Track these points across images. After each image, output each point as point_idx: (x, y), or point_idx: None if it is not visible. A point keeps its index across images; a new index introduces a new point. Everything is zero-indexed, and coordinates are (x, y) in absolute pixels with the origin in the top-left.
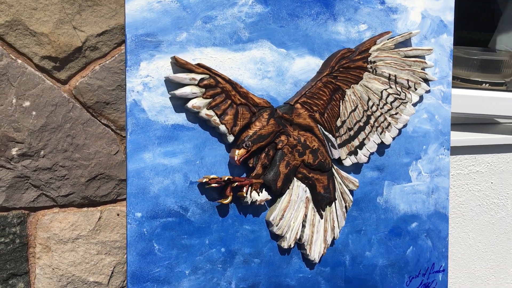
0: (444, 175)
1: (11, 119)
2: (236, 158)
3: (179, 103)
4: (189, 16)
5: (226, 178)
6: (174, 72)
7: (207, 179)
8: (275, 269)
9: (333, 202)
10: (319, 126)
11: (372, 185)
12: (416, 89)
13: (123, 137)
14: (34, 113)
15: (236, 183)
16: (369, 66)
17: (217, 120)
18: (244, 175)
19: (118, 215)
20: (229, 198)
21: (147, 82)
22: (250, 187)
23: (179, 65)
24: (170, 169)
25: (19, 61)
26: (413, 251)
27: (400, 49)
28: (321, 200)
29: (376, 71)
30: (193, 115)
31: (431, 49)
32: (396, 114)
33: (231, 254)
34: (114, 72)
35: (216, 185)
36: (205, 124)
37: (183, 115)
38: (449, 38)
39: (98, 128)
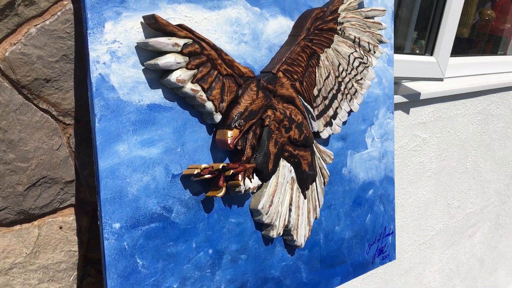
0: (390, 138)
1: None
2: (229, 141)
3: (154, 77)
4: None
5: (220, 166)
6: (146, 37)
7: (198, 170)
8: (261, 262)
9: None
10: (299, 97)
11: (339, 156)
12: (374, 52)
13: (66, 125)
14: None
15: (231, 171)
16: (338, 27)
17: (204, 96)
18: (227, 159)
19: (61, 228)
20: (224, 190)
21: (114, 50)
22: (244, 174)
23: (158, 27)
24: (149, 162)
25: None
26: (371, 218)
27: (362, 9)
28: (306, 179)
29: (344, 33)
30: (173, 91)
31: (385, 10)
32: (361, 79)
33: (219, 254)
34: (57, 36)
35: (210, 175)
36: (186, 101)
37: (160, 91)
38: (392, 2)
39: (34, 116)
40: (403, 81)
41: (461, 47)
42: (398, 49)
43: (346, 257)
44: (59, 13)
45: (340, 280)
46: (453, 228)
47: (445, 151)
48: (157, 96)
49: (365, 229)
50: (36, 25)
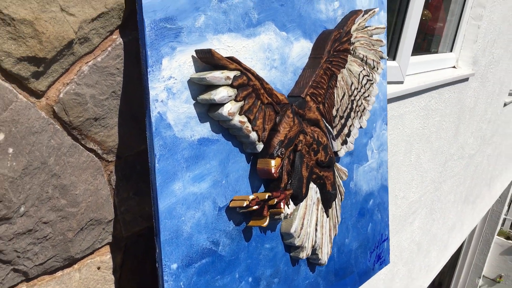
0: (385, 149)
1: None
2: (273, 171)
3: (204, 110)
4: None
5: (266, 196)
6: (197, 69)
7: (247, 202)
8: (290, 283)
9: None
10: (322, 119)
11: (348, 172)
12: (377, 69)
13: (108, 162)
14: (11, 150)
15: (276, 200)
16: (351, 48)
17: (250, 127)
18: (262, 186)
19: (99, 268)
20: (268, 219)
21: (170, 87)
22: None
23: (212, 61)
24: (200, 197)
25: None
26: (371, 227)
27: (367, 28)
28: (330, 199)
29: (355, 52)
30: (220, 123)
31: (385, 27)
32: (368, 96)
33: (257, 281)
34: (108, 73)
35: (257, 207)
36: (229, 132)
37: (207, 124)
38: (385, 15)
39: (81, 156)
40: None
41: None
42: None
43: (353, 267)
44: (109, 49)
45: None
46: (399, 217)
47: (395, 147)
48: (205, 129)
49: (367, 238)
50: (87, 63)
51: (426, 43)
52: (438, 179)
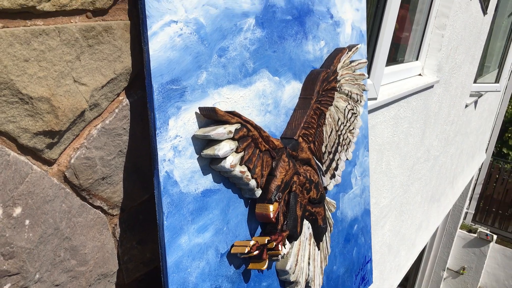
0: (367, 174)
1: (1, 242)
2: (271, 216)
3: (206, 163)
4: (207, 51)
5: (266, 241)
6: (200, 124)
7: (248, 248)
8: None
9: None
10: (313, 157)
11: (334, 201)
12: (361, 102)
13: (113, 216)
14: (27, 222)
15: (274, 243)
16: (337, 85)
17: (249, 176)
18: (259, 228)
19: None
20: (267, 262)
21: (176, 145)
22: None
23: (217, 118)
24: (204, 247)
25: None
26: (356, 251)
27: (351, 64)
28: (321, 233)
29: (341, 89)
30: (221, 174)
31: (366, 62)
32: (353, 129)
33: None
34: (116, 134)
35: (258, 251)
36: (229, 181)
37: (210, 176)
38: (365, 47)
39: (89, 215)
40: None
41: None
42: None
43: None
44: (116, 110)
45: None
46: (371, 222)
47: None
48: (208, 181)
49: (352, 262)
50: (96, 126)
51: (393, 52)
52: (406, 182)
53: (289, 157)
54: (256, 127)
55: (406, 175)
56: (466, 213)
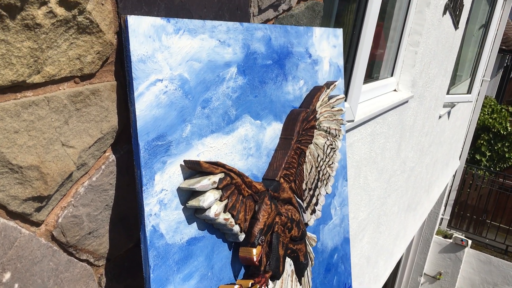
0: (346, 204)
1: None
2: (255, 259)
3: (191, 213)
4: (191, 104)
5: (250, 285)
6: (184, 176)
7: None
8: None
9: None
10: (294, 196)
11: (315, 233)
12: (339, 137)
13: (98, 267)
14: (16, 286)
15: (258, 286)
16: (316, 123)
17: (233, 222)
18: (242, 269)
19: None
20: None
21: (162, 199)
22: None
23: (202, 170)
24: None
25: None
26: (337, 280)
27: (329, 101)
28: (303, 268)
29: (320, 126)
30: (206, 222)
31: (343, 97)
32: (332, 164)
33: None
34: (102, 190)
35: None
36: (214, 227)
37: (195, 225)
38: (342, 81)
39: (75, 268)
40: None
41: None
42: None
43: None
44: (103, 167)
45: None
46: (350, 236)
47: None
48: (193, 230)
49: None
50: (83, 183)
51: (368, 69)
52: (383, 195)
53: (271, 200)
54: (239, 174)
55: (383, 188)
56: (442, 219)
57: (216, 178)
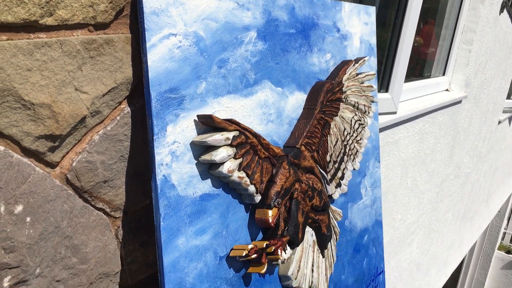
0: (378, 186)
1: (2, 237)
2: (270, 220)
3: (205, 168)
4: (206, 62)
5: (264, 245)
6: (198, 131)
7: (246, 251)
8: None
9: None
10: (317, 166)
11: (342, 211)
12: (369, 113)
13: (115, 219)
14: (28, 219)
15: (273, 248)
16: (343, 96)
17: (248, 182)
18: (260, 234)
19: None
20: (266, 266)
21: (174, 150)
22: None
23: (214, 125)
24: (202, 249)
25: (1, 147)
26: (367, 262)
27: (358, 76)
28: (325, 240)
29: (347, 100)
30: (220, 179)
31: (375, 74)
32: (360, 139)
33: None
34: (117, 140)
35: (256, 255)
36: (229, 186)
37: (209, 181)
38: (375, 60)
39: (91, 216)
40: None
41: None
42: None
43: None
44: (118, 118)
45: None
46: (397, 239)
47: (391, 172)
48: (207, 186)
49: (363, 272)
50: (98, 132)
51: (419, 68)
52: (435, 199)
53: (290, 165)
54: (255, 135)
55: (434, 192)
56: (505, 233)
57: (230, 134)
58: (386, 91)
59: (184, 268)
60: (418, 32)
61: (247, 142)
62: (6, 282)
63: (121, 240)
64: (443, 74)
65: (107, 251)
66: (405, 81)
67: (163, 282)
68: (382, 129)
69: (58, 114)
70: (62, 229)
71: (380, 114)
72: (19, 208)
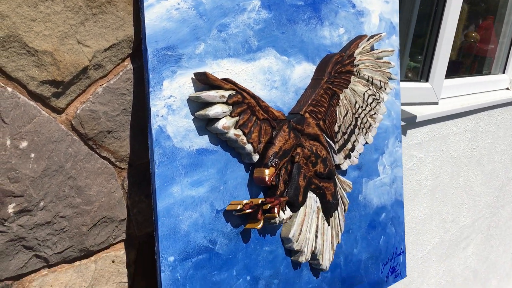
0: (399, 165)
1: (7, 167)
2: (267, 179)
3: (202, 125)
4: (206, 25)
5: (259, 202)
6: (196, 89)
7: (240, 206)
8: (291, 286)
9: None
10: (323, 134)
11: (355, 185)
12: (385, 89)
13: (121, 169)
14: (33, 155)
15: (269, 205)
16: (354, 69)
17: (245, 140)
18: (261, 194)
19: (113, 261)
20: (262, 222)
21: (170, 104)
22: (279, 207)
23: (208, 82)
24: (198, 200)
25: (9, 89)
26: (384, 240)
27: (373, 51)
28: (330, 208)
29: (359, 73)
30: (217, 136)
31: (393, 50)
32: (374, 114)
33: (255, 280)
34: (120, 94)
35: (250, 210)
36: (227, 144)
37: (206, 137)
38: (397, 39)
39: (96, 163)
40: (401, 106)
41: (449, 69)
42: None
43: (363, 277)
44: (121, 73)
45: None
46: (448, 242)
47: (439, 169)
48: (204, 141)
49: (379, 250)
50: (102, 85)
51: (477, 64)
52: (494, 204)
53: (290, 129)
54: (253, 96)
55: (493, 196)
56: None
57: (225, 93)
58: (426, 80)
59: (178, 215)
60: (476, 27)
61: (244, 102)
62: (10, 208)
63: (127, 191)
64: (503, 72)
65: (112, 198)
66: (459, 76)
67: (156, 226)
68: (426, 122)
69: (60, 61)
70: (66, 169)
71: (421, 104)
72: (24, 144)
